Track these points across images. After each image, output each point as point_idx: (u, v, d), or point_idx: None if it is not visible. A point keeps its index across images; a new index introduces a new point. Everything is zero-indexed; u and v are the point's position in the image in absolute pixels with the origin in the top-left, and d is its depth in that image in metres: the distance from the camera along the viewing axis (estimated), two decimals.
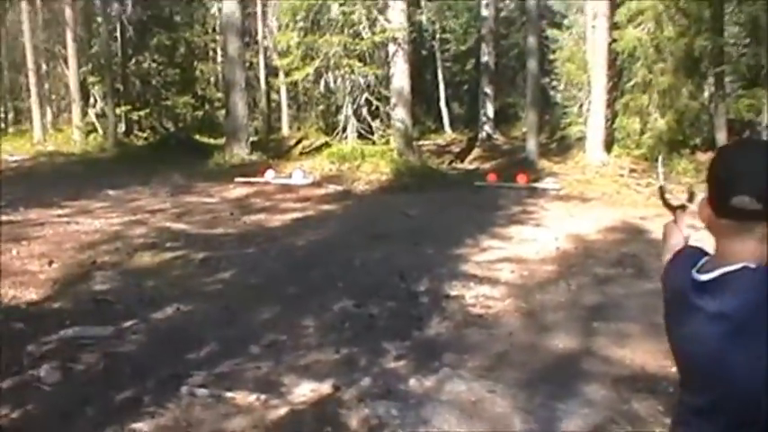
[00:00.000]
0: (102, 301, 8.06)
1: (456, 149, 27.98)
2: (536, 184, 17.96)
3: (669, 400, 5.56)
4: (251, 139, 23.64)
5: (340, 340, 6.93)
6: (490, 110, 29.50)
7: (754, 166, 1.78)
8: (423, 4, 29.50)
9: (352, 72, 20.24)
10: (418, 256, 10.40)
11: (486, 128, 29.30)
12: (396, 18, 20.28)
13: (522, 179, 18.04)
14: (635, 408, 5.55)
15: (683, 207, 2.56)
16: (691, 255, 1.99)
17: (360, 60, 20.39)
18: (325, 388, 5.79)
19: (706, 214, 1.86)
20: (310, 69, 20.15)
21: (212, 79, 35.00)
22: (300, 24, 20.63)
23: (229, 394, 5.62)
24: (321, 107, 30.75)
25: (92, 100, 28.69)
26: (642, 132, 20.76)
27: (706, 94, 21.91)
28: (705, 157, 20.59)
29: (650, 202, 16.10)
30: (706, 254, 1.93)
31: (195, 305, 7.91)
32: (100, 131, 27.37)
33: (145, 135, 28.62)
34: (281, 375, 6.07)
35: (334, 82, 20.74)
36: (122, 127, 27.88)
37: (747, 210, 1.75)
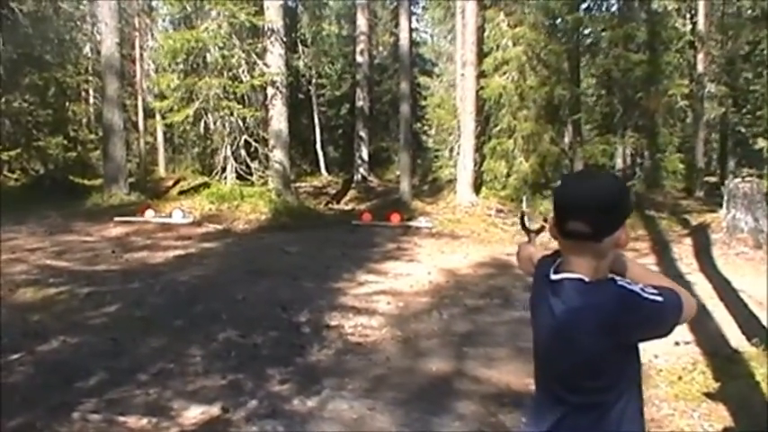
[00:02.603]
0: None
1: (332, 191, 28.51)
2: (409, 223, 18.63)
3: None
4: (129, 179, 23.51)
5: (226, 367, 7.23)
6: (365, 153, 30.25)
7: (586, 195, 2.31)
8: (300, 49, 30.07)
9: (231, 114, 20.55)
10: (298, 290, 10.81)
11: (362, 170, 30.02)
12: (274, 62, 20.75)
13: (394, 218, 18.67)
14: (501, 420, 6.07)
15: (538, 231, 3.21)
16: (552, 256, 2.53)
17: (239, 102, 20.75)
18: (214, 410, 6.09)
19: (553, 233, 2.40)
20: (190, 111, 20.35)
21: (84, 120, 34.49)
22: (180, 67, 20.85)
23: (121, 418, 5.86)
24: (197, 149, 30.86)
25: None
26: (508, 175, 21.78)
27: (566, 139, 23.21)
28: None
29: (516, 240, 16.94)
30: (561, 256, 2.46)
31: (82, 338, 8.06)
32: None
33: (15, 176, 27.94)
34: (171, 400, 6.33)
35: (214, 123, 20.97)
36: None
37: (579, 232, 2.28)
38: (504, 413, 6.20)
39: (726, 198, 16.14)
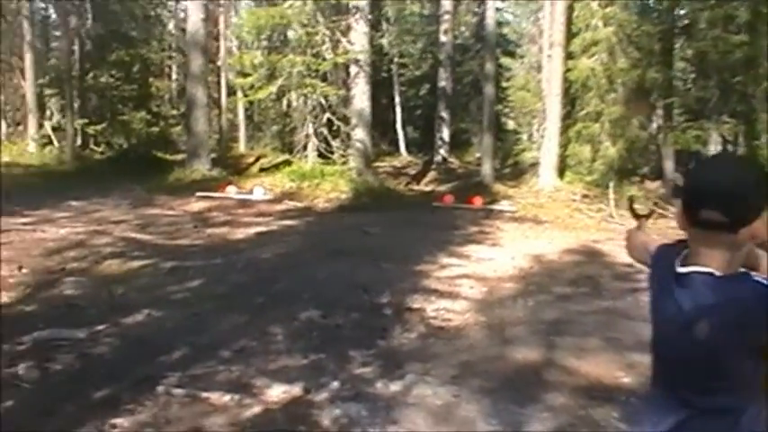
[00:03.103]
0: (74, 305, 8.14)
1: (412, 172, 28.29)
2: (491, 206, 18.33)
3: (624, 407, 5.88)
4: (210, 155, 23.69)
5: (308, 347, 7.10)
6: (446, 134, 29.93)
7: (722, 181, 2.05)
8: (384, 27, 29.82)
9: (314, 92, 20.47)
10: (379, 271, 10.65)
11: (442, 151, 29.71)
12: (358, 40, 20.59)
13: (476, 201, 18.42)
14: (591, 414, 5.79)
15: (647, 215, 2.92)
16: (675, 246, 2.26)
17: (321, 80, 20.65)
18: (296, 390, 5.95)
19: (680, 221, 2.14)
20: (273, 88, 20.33)
21: (167, 96, 34.98)
22: (264, 44, 20.84)
23: (204, 394, 5.77)
24: (277, 127, 30.93)
25: (47, 113, 28.44)
26: (593, 160, 21.23)
27: (655, 125, 22.52)
28: (654, 186, 21.21)
29: (602, 227, 16.59)
30: (687, 247, 2.20)
31: (165, 312, 8.02)
32: (56, 144, 27.14)
33: (100, 149, 28.44)
34: (253, 378, 6.22)
35: (296, 101, 20.92)
36: (78, 140, 27.66)
37: (714, 222, 2.02)
38: (594, 407, 5.92)
39: None
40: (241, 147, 33.12)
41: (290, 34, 20.98)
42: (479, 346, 7.48)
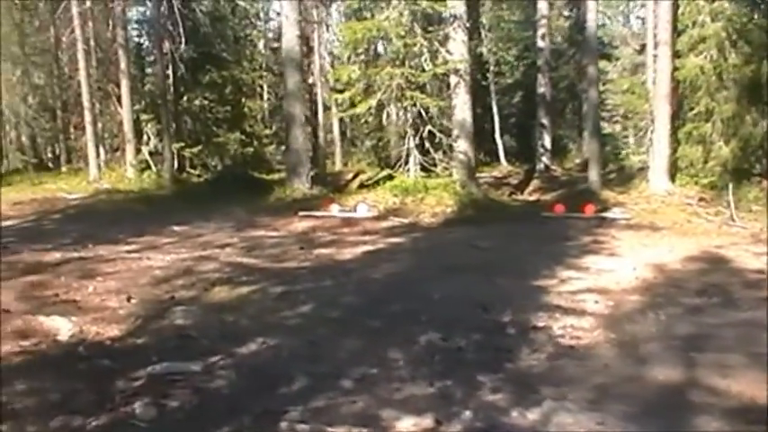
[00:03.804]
0: (186, 336, 7.94)
1: (513, 181, 27.82)
2: (604, 214, 17.71)
3: None
4: (310, 173, 23.66)
5: (432, 373, 6.75)
6: (547, 141, 29.36)
7: None
8: (483, 35, 29.44)
9: (414, 104, 20.21)
10: (496, 287, 10.23)
11: (544, 159, 29.16)
12: (457, 50, 20.29)
13: (589, 209, 17.84)
14: None
15: None
16: None
17: (421, 92, 20.37)
18: (427, 422, 5.61)
19: None
20: (372, 102, 20.17)
21: (259, 116, 35.31)
22: (361, 57, 20.71)
23: (330, 429, 5.48)
24: (371, 141, 30.85)
25: (144, 137, 28.90)
26: (706, 161, 20.43)
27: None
28: None
29: (723, 231, 15.83)
30: None
31: (279, 339, 7.77)
32: (153, 169, 27.52)
33: (197, 172, 28.74)
34: (379, 409, 5.91)
35: (396, 114, 20.71)
36: (175, 164, 28.01)
37: None
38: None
39: None
40: (337, 163, 33.15)
41: (381, 47, 20.74)
42: (614, 365, 7.03)
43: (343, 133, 35.31)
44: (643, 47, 34.24)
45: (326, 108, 31.78)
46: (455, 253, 13.22)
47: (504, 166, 32.53)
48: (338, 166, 32.51)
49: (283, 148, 30.40)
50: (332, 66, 33.41)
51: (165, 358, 7.02)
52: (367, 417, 5.75)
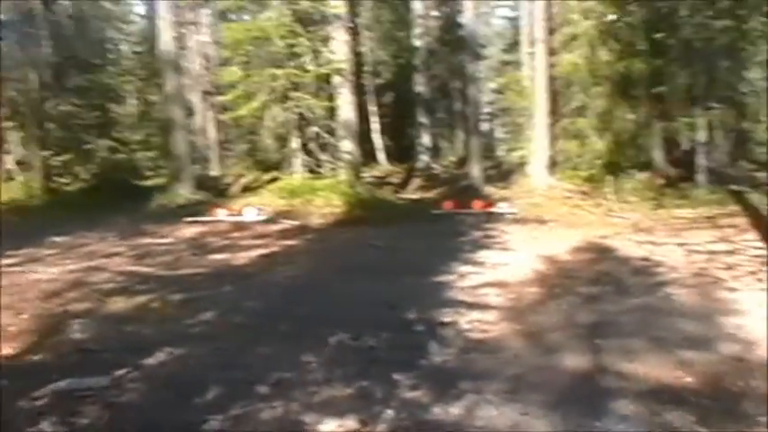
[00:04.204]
0: (86, 350, 7.60)
1: (395, 180, 27.94)
2: (492, 210, 18.03)
3: (698, 410, 5.58)
4: (192, 178, 23.16)
5: (347, 374, 6.69)
6: (427, 139, 29.66)
7: None
8: (363, 35, 29.48)
9: (298, 106, 20.06)
10: (399, 285, 10.26)
11: (424, 157, 29.43)
12: (339, 49, 20.26)
13: (477, 205, 18.12)
14: (668, 419, 5.49)
15: None
16: None
17: (305, 93, 20.22)
18: (352, 423, 5.57)
19: None
20: (256, 104, 19.89)
21: (128, 122, 34.35)
22: (244, 59, 20.38)
23: None
24: (246, 145, 30.39)
25: (9, 146, 27.52)
26: (582, 155, 21.05)
27: (642, 115, 22.35)
28: (643, 176, 21.04)
29: (606, 222, 16.34)
30: None
31: (186, 348, 7.53)
32: (21, 179, 26.22)
33: (67, 180, 27.61)
34: (300, 414, 5.81)
35: (281, 116, 20.44)
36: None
37: None
38: (668, 411, 5.63)
39: None
40: (214, 168, 32.55)
41: (260, 50, 20.45)
42: (524, 356, 7.15)
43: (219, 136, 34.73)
44: (511, 46, 35.23)
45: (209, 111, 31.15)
46: (352, 253, 13.22)
47: (384, 166, 32.63)
48: (215, 171, 31.88)
49: (152, 154, 29.62)
50: (206, 68, 32.76)
51: (67, 374, 6.68)
52: (289, 422, 5.65)
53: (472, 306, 9.02)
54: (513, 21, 37.86)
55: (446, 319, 8.46)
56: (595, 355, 7.08)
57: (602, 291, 9.81)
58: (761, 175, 22.85)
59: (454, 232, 15.18)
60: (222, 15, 28.31)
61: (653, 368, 6.59)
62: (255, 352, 7.46)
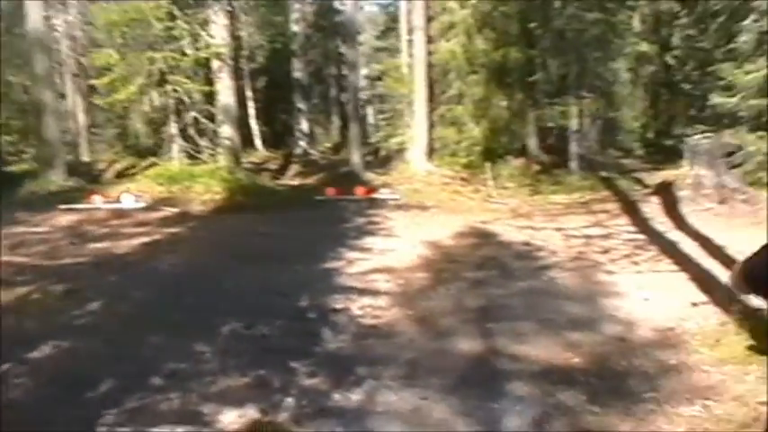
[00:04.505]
0: None
1: (273, 167, 27.69)
2: (374, 195, 18.14)
3: (588, 389, 5.80)
4: (65, 164, 22.30)
5: (242, 363, 6.62)
6: (305, 126, 29.59)
7: None
8: (243, 19, 28.98)
9: (176, 90, 19.60)
10: (288, 272, 10.19)
11: (302, 143, 29.32)
12: (219, 33, 19.90)
13: (359, 191, 18.18)
14: (562, 399, 5.67)
15: None
16: None
17: (185, 77, 19.75)
18: (251, 412, 5.53)
19: None
20: (134, 88, 19.31)
21: None
22: (120, 41, 19.71)
23: (154, 430, 5.26)
24: (115, 130, 29.49)
25: None
26: (459, 142, 21.41)
27: (517, 103, 22.91)
28: (518, 163, 21.63)
29: (485, 208, 16.70)
30: None
31: (74, 341, 7.28)
32: None
33: None
34: (198, 405, 5.72)
35: (159, 100, 19.91)
36: None
37: None
38: (561, 392, 5.82)
39: (688, 155, 16.16)
40: (84, 153, 31.39)
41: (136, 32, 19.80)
42: (418, 341, 7.26)
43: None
44: (383, 32, 35.52)
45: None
46: (237, 240, 13.03)
47: (261, 152, 32.29)
48: (86, 157, 30.74)
49: (12, 138, 28.26)
50: (74, 50, 31.52)
51: None
52: (187, 413, 5.55)
53: (363, 292, 9.07)
54: (385, 7, 38.38)
55: (338, 306, 8.49)
56: (488, 338, 7.24)
57: (489, 275, 10.03)
58: (627, 161, 23.88)
59: (339, 218, 15.20)
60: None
61: (543, 350, 6.79)
62: (147, 342, 7.28)
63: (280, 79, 32.44)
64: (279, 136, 32.75)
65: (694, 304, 8.08)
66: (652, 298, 8.43)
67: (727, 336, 6.88)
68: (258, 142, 33.28)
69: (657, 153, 25.40)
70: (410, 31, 21.89)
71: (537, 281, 9.66)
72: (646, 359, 6.49)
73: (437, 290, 9.19)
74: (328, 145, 33.17)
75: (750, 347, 6.48)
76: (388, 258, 11.08)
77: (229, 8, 20.61)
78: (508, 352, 6.81)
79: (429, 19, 21.46)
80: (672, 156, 22.13)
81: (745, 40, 18.22)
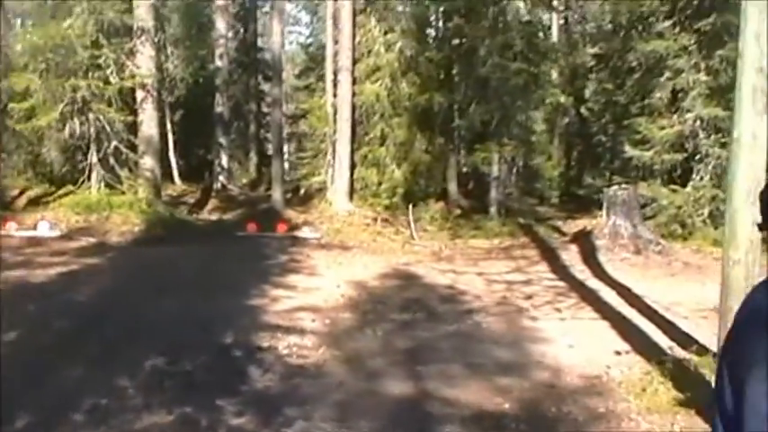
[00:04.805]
0: None
1: (190, 200, 27.26)
2: (295, 233, 17.99)
3: None
4: None
5: (167, 400, 6.49)
6: (225, 160, 29.26)
7: None
8: (169, 51, 28.67)
9: (98, 119, 19.15)
10: (211, 308, 9.99)
11: (221, 178, 29.00)
12: (144, 63, 19.59)
13: (281, 228, 18.02)
14: None
15: None
16: None
17: (108, 105, 19.29)
18: None
19: None
20: (55, 114, 18.78)
21: None
22: (42, 66, 19.16)
23: None
24: (27, 156, 28.59)
25: None
26: (380, 183, 21.49)
27: (439, 147, 23.15)
28: (439, 206, 21.81)
29: (407, 250, 16.73)
30: None
31: None
32: None
33: None
34: None
35: (80, 127, 19.33)
36: None
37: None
38: None
39: (606, 205, 16.50)
40: None
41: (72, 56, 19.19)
42: (347, 382, 7.23)
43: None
44: (302, 72, 35.68)
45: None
46: (159, 273, 12.69)
47: (179, 185, 31.78)
48: None
49: None
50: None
51: None
52: None
53: (289, 330, 8.98)
54: (306, 47, 38.51)
55: (264, 344, 8.38)
56: (417, 381, 7.25)
57: (415, 317, 10.05)
58: (542, 209, 24.31)
59: (261, 255, 14.99)
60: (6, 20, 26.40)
61: (474, 394, 6.83)
62: (67, 375, 7.08)
63: (201, 113, 32.08)
64: (195, 169, 32.33)
65: (618, 353, 8.23)
66: (576, 345, 8.55)
67: (652, 385, 7.01)
68: (176, 175, 32.80)
69: (570, 202, 26.02)
70: (336, 72, 21.94)
71: (463, 324, 9.71)
72: (575, 406, 6.57)
73: (364, 331, 9.16)
74: (245, 181, 32.91)
75: (675, 399, 6.62)
76: (312, 297, 10.98)
77: (156, 39, 20.32)
78: (439, 395, 6.81)
79: (355, 61, 21.56)
80: (584, 205, 22.71)
81: (659, 96, 18.87)
